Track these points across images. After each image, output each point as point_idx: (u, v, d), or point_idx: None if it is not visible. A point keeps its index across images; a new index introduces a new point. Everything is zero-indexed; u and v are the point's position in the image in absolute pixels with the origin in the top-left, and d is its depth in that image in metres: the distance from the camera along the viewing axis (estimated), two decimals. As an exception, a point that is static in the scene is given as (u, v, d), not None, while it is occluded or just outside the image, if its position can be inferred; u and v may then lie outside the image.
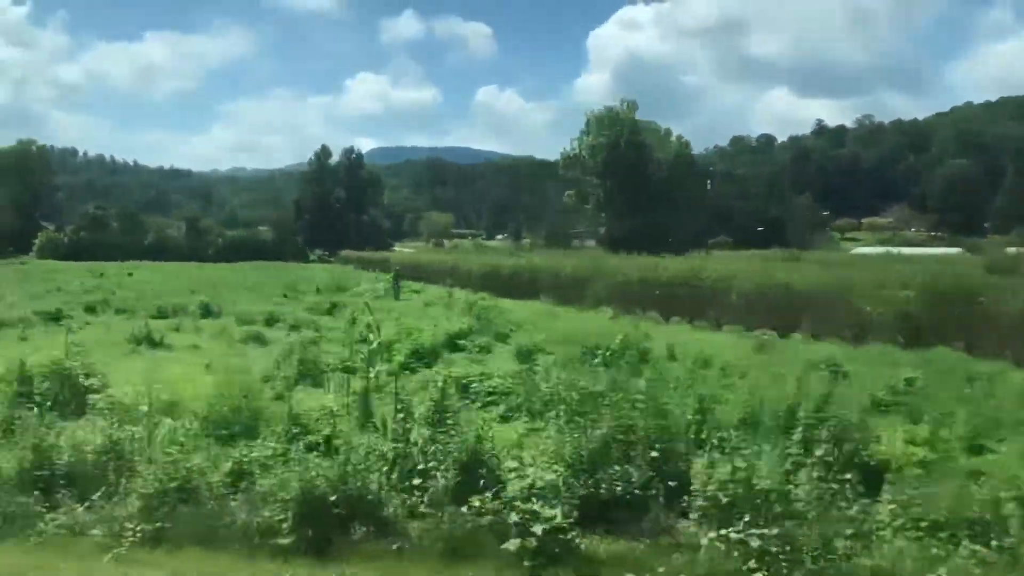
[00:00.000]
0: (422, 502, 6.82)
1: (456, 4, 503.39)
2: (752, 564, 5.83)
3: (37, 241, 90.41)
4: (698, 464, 6.90)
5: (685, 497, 6.80)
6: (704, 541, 6.16)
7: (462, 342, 18.09)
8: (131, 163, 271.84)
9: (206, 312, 29.94)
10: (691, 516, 6.69)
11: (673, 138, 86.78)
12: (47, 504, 7.37)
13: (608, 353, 14.30)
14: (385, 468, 7.05)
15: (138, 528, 6.85)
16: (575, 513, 6.48)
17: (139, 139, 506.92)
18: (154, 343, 18.13)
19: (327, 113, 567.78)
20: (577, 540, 6.36)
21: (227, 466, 7.58)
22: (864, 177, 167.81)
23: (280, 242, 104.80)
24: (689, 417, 8.50)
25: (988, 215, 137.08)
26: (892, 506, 6.38)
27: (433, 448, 7.17)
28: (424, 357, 16.45)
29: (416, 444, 7.26)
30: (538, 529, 6.14)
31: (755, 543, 5.83)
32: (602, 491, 6.85)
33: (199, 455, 7.86)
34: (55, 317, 27.08)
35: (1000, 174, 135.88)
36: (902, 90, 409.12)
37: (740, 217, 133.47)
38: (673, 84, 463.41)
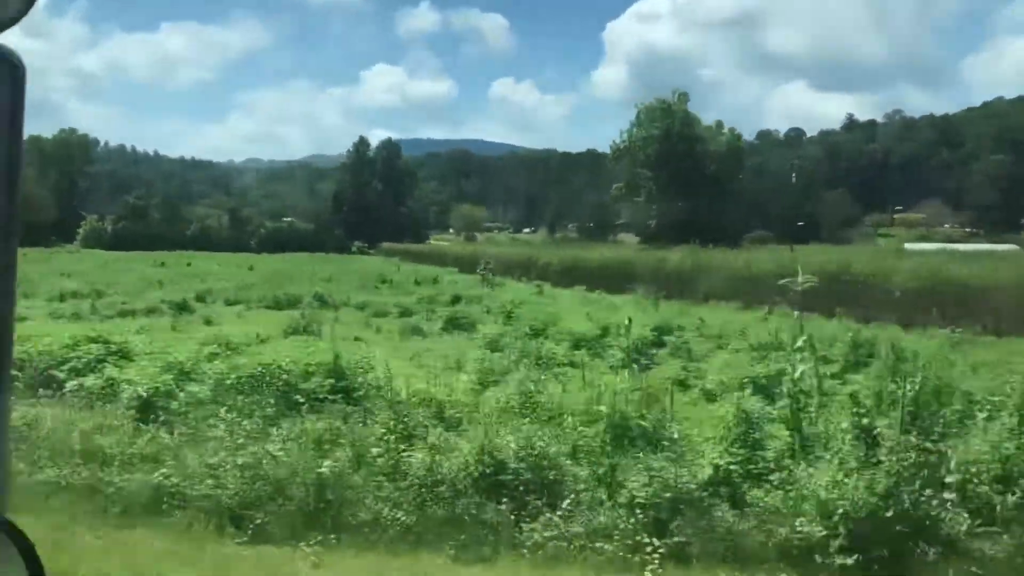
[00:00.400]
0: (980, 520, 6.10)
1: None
2: None
3: (81, 230, 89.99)
4: None
5: None
6: None
7: (669, 338, 17.39)
8: (151, 153, 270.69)
9: (323, 303, 29.41)
10: None
11: (725, 130, 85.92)
12: (513, 513, 6.72)
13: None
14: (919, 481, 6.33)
15: (658, 543, 6.17)
16: None
17: (156, 129, 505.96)
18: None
19: (343, 104, 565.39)
20: None
21: (706, 473, 6.88)
22: (895, 172, 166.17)
23: (319, 234, 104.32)
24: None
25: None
26: None
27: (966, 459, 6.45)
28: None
29: (943, 454, 6.53)
30: None
31: None
32: None
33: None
34: (182, 307, 26.61)
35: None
36: (922, 85, 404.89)
37: (775, 211, 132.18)
38: (690, 77, 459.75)
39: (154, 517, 7.11)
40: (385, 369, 10.13)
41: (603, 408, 8.32)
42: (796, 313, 15.55)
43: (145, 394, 9.05)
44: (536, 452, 7.11)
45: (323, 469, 7.11)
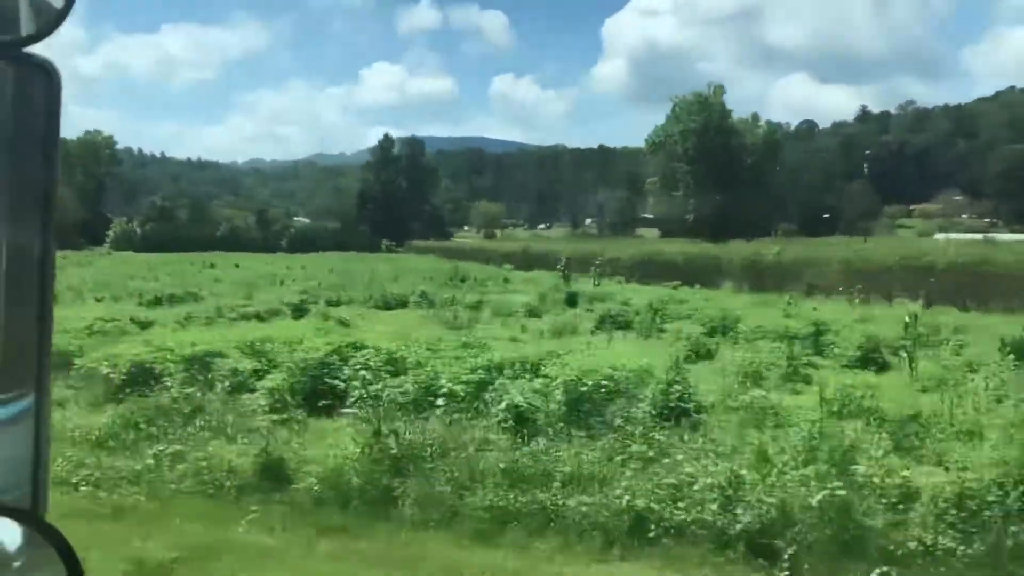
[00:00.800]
0: None
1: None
2: None
3: (111, 233, 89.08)
4: None
5: None
6: None
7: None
8: (159, 155, 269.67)
9: (429, 303, 28.68)
10: None
11: (762, 123, 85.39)
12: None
13: None
14: None
15: None
16: None
17: (156, 131, 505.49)
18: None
19: (344, 103, 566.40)
20: None
21: None
22: (910, 164, 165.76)
23: (345, 232, 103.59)
24: None
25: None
26: None
27: None
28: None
29: None
30: None
31: None
32: None
33: None
34: (300, 309, 25.86)
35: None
36: (923, 76, 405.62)
37: (796, 204, 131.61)
38: (690, 71, 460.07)
39: (641, 547, 6.37)
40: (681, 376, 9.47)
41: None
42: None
43: (523, 405, 8.30)
44: None
45: (822, 493, 6.38)
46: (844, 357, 14.28)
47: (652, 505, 6.58)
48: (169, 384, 10.43)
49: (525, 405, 8.30)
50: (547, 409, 8.53)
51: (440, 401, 9.13)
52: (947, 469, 6.79)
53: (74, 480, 7.57)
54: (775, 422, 8.49)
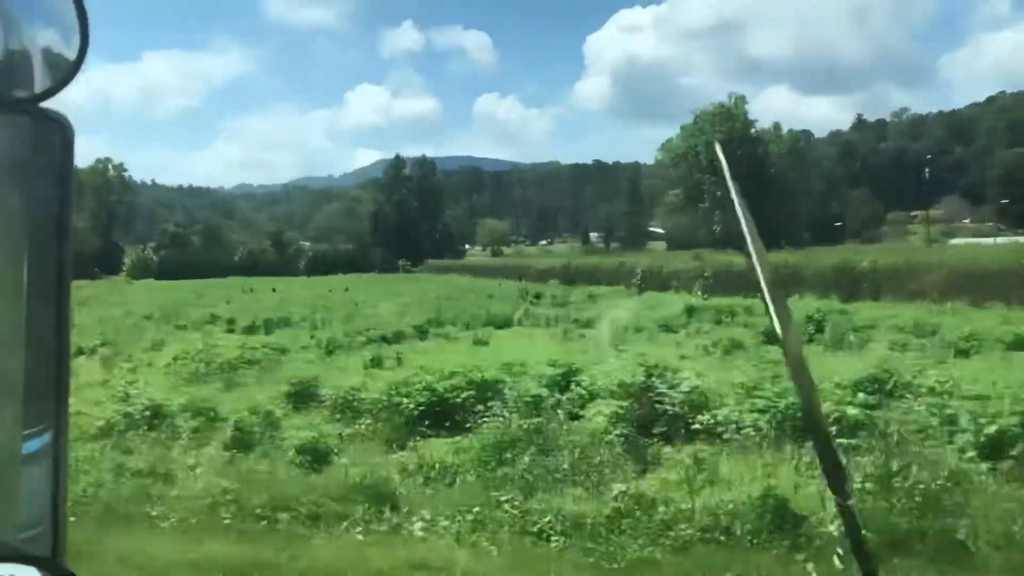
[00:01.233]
0: None
1: (455, 14, 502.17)
2: None
3: (128, 260, 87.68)
4: None
5: None
6: None
7: None
8: (149, 182, 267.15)
9: (534, 322, 27.90)
10: None
11: (784, 132, 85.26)
12: None
13: None
14: None
15: None
16: None
17: (141, 159, 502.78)
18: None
19: (329, 126, 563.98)
20: None
21: None
22: (909, 170, 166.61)
23: (357, 253, 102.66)
24: None
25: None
26: None
27: None
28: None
29: None
30: None
31: None
32: None
33: None
34: (423, 331, 24.95)
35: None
36: (904, 84, 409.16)
37: (804, 212, 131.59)
38: (673, 86, 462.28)
39: None
40: None
41: None
42: None
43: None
44: None
45: None
46: None
47: None
48: (496, 413, 9.48)
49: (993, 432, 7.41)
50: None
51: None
52: None
53: (532, 529, 6.63)
54: None
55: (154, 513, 7.32)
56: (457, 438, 9.61)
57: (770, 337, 20.05)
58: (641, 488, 7.21)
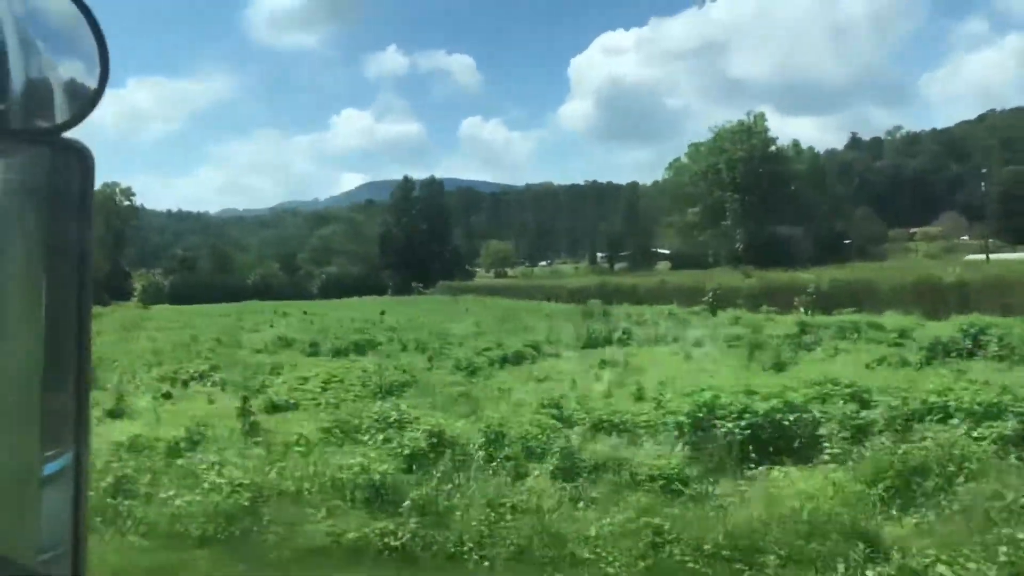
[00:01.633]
0: None
1: (439, 37, 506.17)
2: None
3: (138, 286, 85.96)
4: None
5: None
6: None
7: None
8: (137, 207, 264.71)
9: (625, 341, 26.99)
10: None
11: (804, 149, 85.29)
12: None
13: None
14: None
15: None
16: None
17: (130, 184, 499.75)
18: None
19: (314, 150, 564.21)
20: None
21: None
22: (907, 187, 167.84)
23: (368, 277, 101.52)
24: None
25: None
26: None
27: None
28: None
29: None
30: None
31: None
32: None
33: None
34: (537, 349, 23.98)
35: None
36: (885, 104, 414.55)
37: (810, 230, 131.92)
38: (656, 107, 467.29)
39: None
40: None
41: None
42: None
43: None
44: None
45: None
46: None
47: None
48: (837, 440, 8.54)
49: None
50: None
51: None
52: None
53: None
54: None
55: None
56: (806, 466, 8.63)
57: (933, 351, 19.32)
58: None
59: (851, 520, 6.57)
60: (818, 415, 9.76)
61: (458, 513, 7.39)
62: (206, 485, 8.19)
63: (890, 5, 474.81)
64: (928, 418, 9.67)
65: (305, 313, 56.21)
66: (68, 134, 1.20)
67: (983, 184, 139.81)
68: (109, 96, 1.31)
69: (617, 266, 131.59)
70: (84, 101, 1.23)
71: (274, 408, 14.35)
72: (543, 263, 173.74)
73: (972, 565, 5.76)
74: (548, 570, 6.39)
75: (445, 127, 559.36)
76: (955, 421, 9.30)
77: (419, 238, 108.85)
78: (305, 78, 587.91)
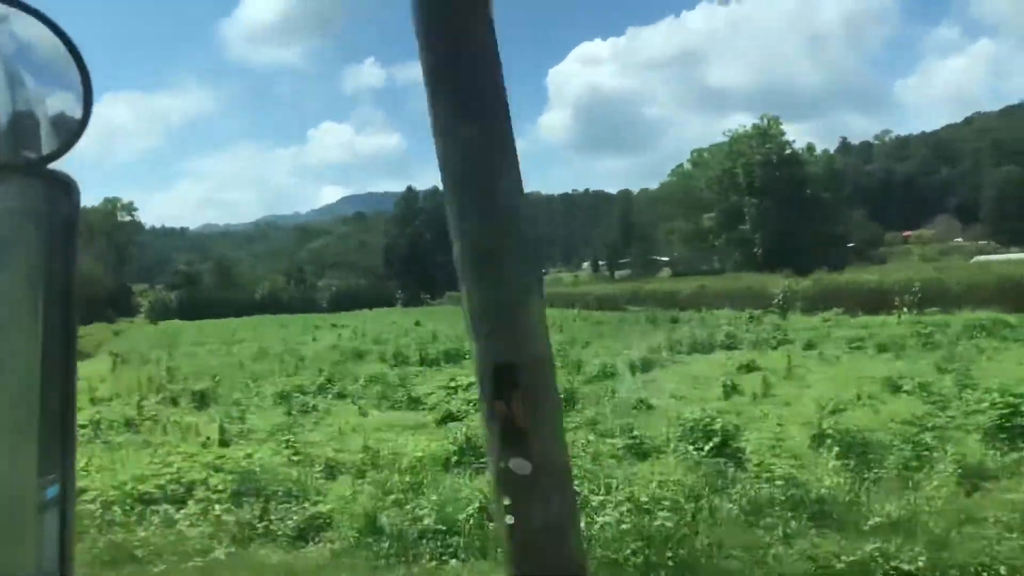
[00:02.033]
0: None
1: (417, 49, 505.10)
2: None
3: (146, 302, 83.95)
4: None
5: None
6: None
7: None
8: (140, 222, 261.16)
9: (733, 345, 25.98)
10: None
11: (819, 152, 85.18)
12: None
13: None
14: None
15: None
16: None
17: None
18: None
19: (293, 164, 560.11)
20: None
21: None
22: (898, 191, 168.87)
23: (374, 288, 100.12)
24: None
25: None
26: None
27: None
28: None
29: None
30: None
31: None
32: None
33: None
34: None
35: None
36: (861, 109, 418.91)
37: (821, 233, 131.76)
38: (635, 116, 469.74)
39: None
40: None
41: None
42: None
43: None
44: None
45: None
46: None
47: None
48: None
49: None
50: None
51: None
52: None
53: None
54: None
55: None
56: None
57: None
58: None
59: None
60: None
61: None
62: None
63: (864, 13, 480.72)
64: None
65: (334, 326, 54.91)
66: (54, 165, 1.21)
67: (979, 186, 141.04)
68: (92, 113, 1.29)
69: (618, 274, 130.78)
70: (69, 132, 1.24)
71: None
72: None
73: None
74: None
75: (424, 138, 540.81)
76: None
77: (423, 248, 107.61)
78: (283, 91, 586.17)
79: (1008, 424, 9.17)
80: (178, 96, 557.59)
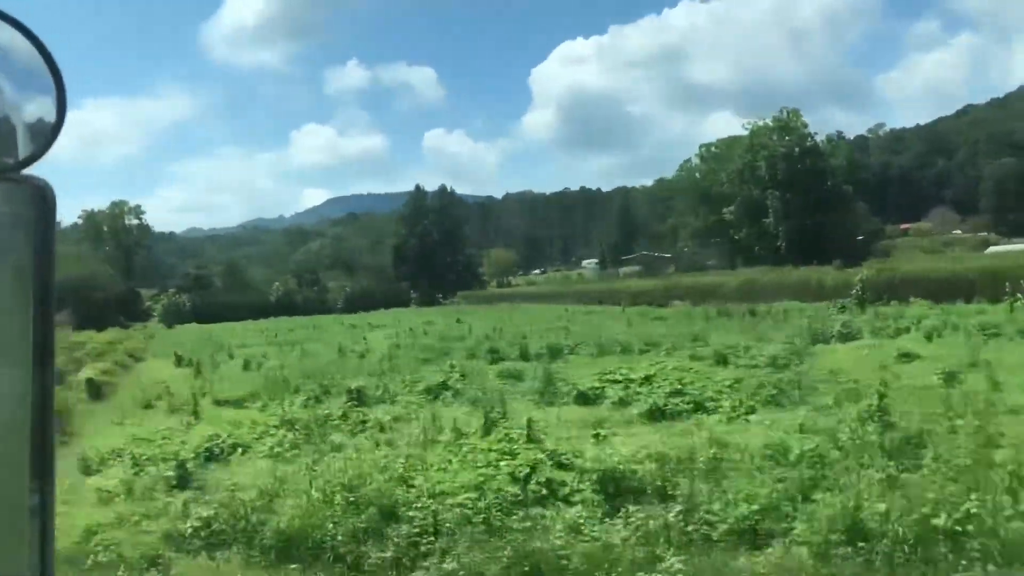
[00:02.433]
0: None
1: (400, 50, 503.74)
2: None
3: (159, 307, 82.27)
4: None
5: None
6: None
7: None
8: (148, 225, 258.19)
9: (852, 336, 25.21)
10: None
11: (840, 144, 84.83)
12: None
13: None
14: None
15: None
16: None
17: (92, 205, 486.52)
18: None
19: (276, 167, 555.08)
20: None
21: None
22: (894, 184, 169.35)
23: (385, 289, 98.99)
24: None
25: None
26: None
27: None
28: None
29: None
30: None
31: None
32: None
33: None
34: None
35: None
36: (844, 105, 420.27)
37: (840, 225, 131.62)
38: (618, 114, 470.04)
39: None
40: None
41: None
42: None
43: None
44: None
45: None
46: None
47: None
48: None
49: None
50: None
51: None
52: None
53: None
54: None
55: None
56: None
57: None
58: None
59: None
60: None
61: None
62: None
63: (844, 8, 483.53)
64: None
65: (371, 325, 53.81)
66: (29, 170, 1.21)
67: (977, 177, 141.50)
68: (67, 119, 1.28)
69: (623, 270, 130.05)
70: (44, 137, 1.25)
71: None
72: (536, 271, 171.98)
73: None
74: None
75: (408, 140, 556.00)
76: None
77: (433, 248, 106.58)
78: (266, 94, 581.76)
79: None
80: (160, 100, 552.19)
